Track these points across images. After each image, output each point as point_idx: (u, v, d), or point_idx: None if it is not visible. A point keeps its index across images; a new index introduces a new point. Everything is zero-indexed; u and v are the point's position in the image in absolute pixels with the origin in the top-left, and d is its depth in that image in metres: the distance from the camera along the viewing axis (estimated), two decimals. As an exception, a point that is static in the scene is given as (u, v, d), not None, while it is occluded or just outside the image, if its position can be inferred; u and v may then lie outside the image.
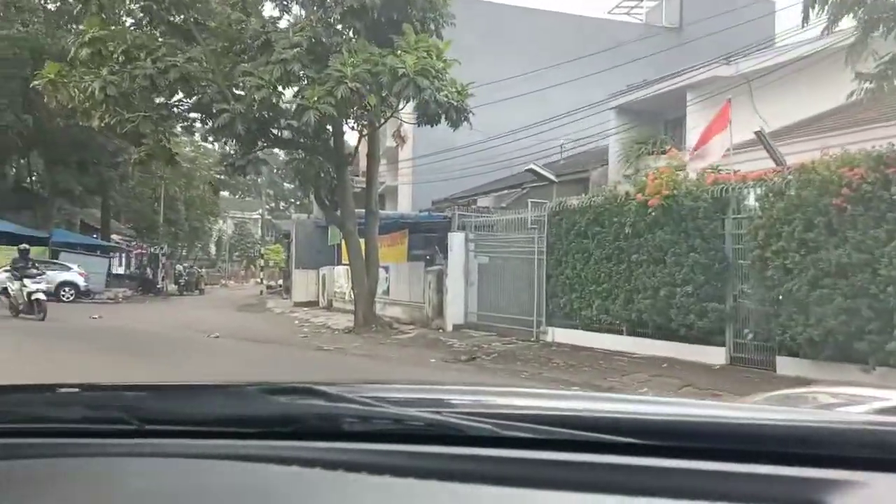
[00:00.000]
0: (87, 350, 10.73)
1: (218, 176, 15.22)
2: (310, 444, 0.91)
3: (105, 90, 12.33)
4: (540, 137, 17.54)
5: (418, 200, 26.48)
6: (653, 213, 10.12)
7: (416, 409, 0.96)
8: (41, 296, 15.69)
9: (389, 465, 0.86)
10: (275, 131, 14.73)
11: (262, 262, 42.77)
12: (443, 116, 13.24)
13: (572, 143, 20.88)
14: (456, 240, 14.88)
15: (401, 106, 13.84)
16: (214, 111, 13.55)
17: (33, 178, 29.64)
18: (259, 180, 73.92)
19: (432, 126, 13.79)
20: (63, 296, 24.34)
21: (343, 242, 16.78)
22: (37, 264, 17.55)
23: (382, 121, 14.45)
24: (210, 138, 17.59)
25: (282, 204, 75.69)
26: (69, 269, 24.86)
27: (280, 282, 40.94)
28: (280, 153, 23.98)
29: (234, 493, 0.86)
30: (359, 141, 15.51)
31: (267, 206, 72.86)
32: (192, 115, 14.88)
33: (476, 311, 14.61)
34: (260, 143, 14.73)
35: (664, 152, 13.99)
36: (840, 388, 1.79)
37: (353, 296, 16.40)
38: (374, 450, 0.90)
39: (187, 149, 39.75)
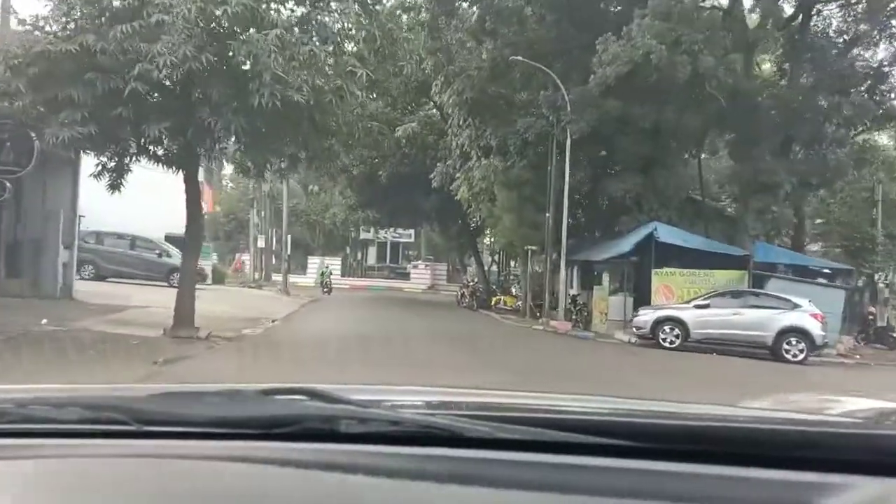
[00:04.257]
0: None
1: None
2: (308, 446, 0.91)
3: None
4: None
5: None
6: None
7: (412, 412, 1.00)
8: None
9: (386, 467, 0.87)
10: None
11: None
12: None
13: None
14: None
15: None
16: None
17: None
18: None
19: None
20: (787, 352, 14.69)
21: None
22: None
23: None
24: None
25: None
26: (796, 306, 14.97)
27: None
28: None
29: (233, 493, 0.86)
30: None
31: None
32: None
33: None
34: None
35: None
36: (836, 395, 1.74)
37: None
38: (371, 451, 0.90)
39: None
